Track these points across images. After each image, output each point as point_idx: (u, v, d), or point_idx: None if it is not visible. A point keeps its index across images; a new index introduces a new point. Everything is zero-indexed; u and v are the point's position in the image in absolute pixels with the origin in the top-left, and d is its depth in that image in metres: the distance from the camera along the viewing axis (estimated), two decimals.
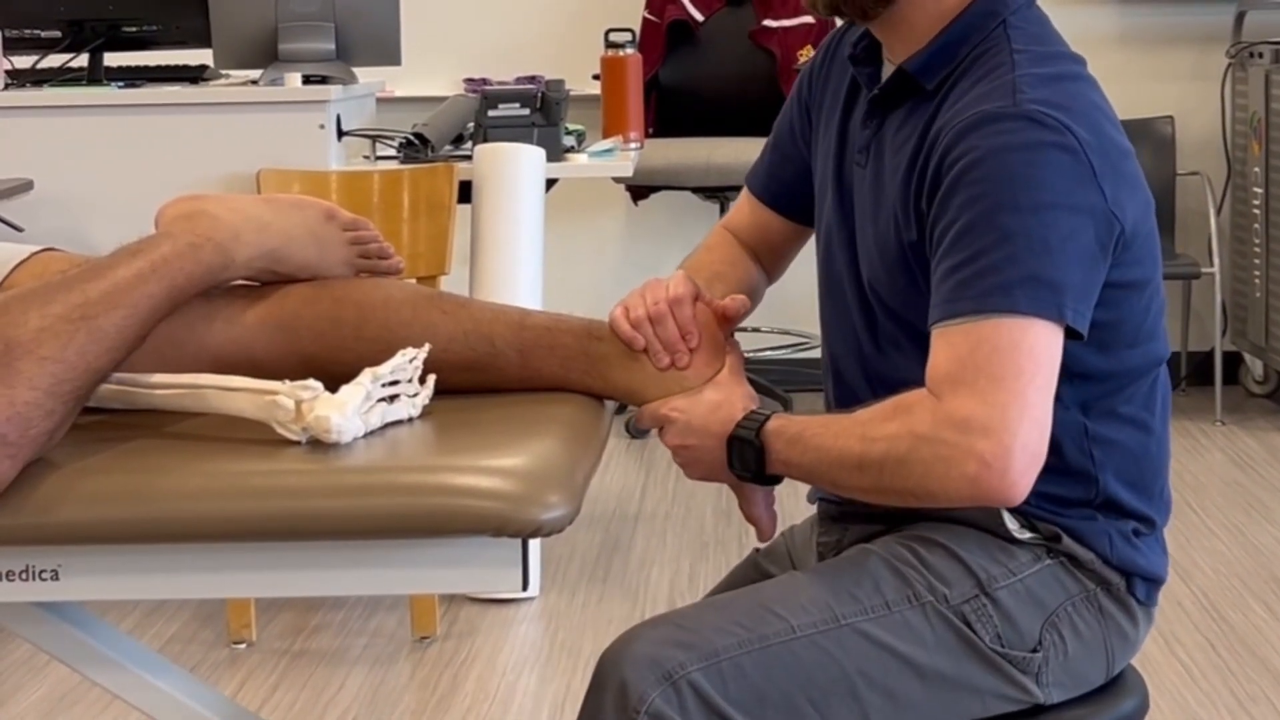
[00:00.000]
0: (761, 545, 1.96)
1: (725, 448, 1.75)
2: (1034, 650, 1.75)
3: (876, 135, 1.81)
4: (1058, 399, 1.72)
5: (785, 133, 1.99)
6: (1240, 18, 5.32)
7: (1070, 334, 1.65)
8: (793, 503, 1.99)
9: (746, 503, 1.83)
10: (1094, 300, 1.67)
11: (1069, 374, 1.71)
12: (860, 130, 1.84)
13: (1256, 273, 5.13)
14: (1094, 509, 1.78)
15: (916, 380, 1.69)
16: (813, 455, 1.70)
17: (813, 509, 1.97)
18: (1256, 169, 5.11)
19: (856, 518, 1.85)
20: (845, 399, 1.86)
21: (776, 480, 1.77)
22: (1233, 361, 5.39)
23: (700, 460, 1.78)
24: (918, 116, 1.77)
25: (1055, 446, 1.74)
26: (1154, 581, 1.83)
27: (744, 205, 2.04)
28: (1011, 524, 1.76)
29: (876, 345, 1.82)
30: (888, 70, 1.83)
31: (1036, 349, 1.62)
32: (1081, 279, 1.65)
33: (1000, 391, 1.60)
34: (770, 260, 2.03)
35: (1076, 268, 1.64)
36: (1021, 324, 1.62)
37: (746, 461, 1.74)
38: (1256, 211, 5.12)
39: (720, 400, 1.76)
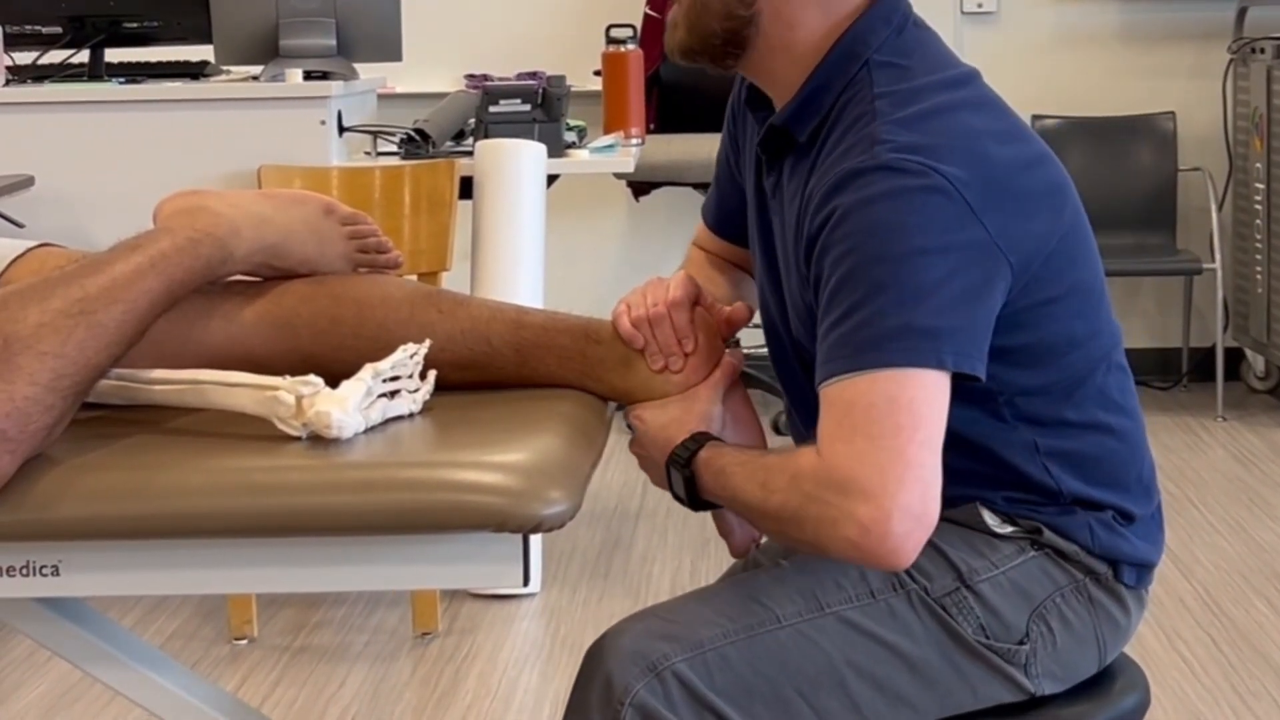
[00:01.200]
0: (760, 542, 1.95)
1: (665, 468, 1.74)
2: (1020, 642, 1.74)
3: (778, 184, 1.78)
4: (1001, 420, 1.71)
5: (723, 165, 1.97)
6: (1242, 14, 5.31)
7: (964, 378, 1.60)
8: None
9: (717, 518, 1.83)
10: (986, 338, 1.62)
11: (1007, 394, 1.70)
12: (766, 177, 1.81)
13: (1258, 269, 5.13)
14: (1069, 504, 1.77)
15: None
16: (728, 494, 1.69)
17: None
18: (1258, 165, 5.10)
19: None
20: (801, 439, 1.85)
21: (712, 506, 1.75)
22: (1234, 357, 5.39)
23: (653, 472, 1.78)
24: (801, 170, 1.73)
25: (1008, 466, 1.74)
26: (1143, 566, 1.81)
27: (703, 235, 2.03)
28: (990, 520, 1.76)
29: (816, 392, 1.79)
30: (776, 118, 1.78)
31: (915, 403, 1.56)
32: (964, 320, 1.59)
33: (878, 452, 1.54)
34: (752, 273, 2.02)
35: (956, 310, 1.59)
36: (897, 377, 1.56)
37: (679, 487, 1.73)
38: (1258, 207, 5.12)
39: (675, 417, 1.74)
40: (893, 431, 1.55)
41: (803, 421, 1.84)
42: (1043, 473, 1.75)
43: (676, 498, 1.75)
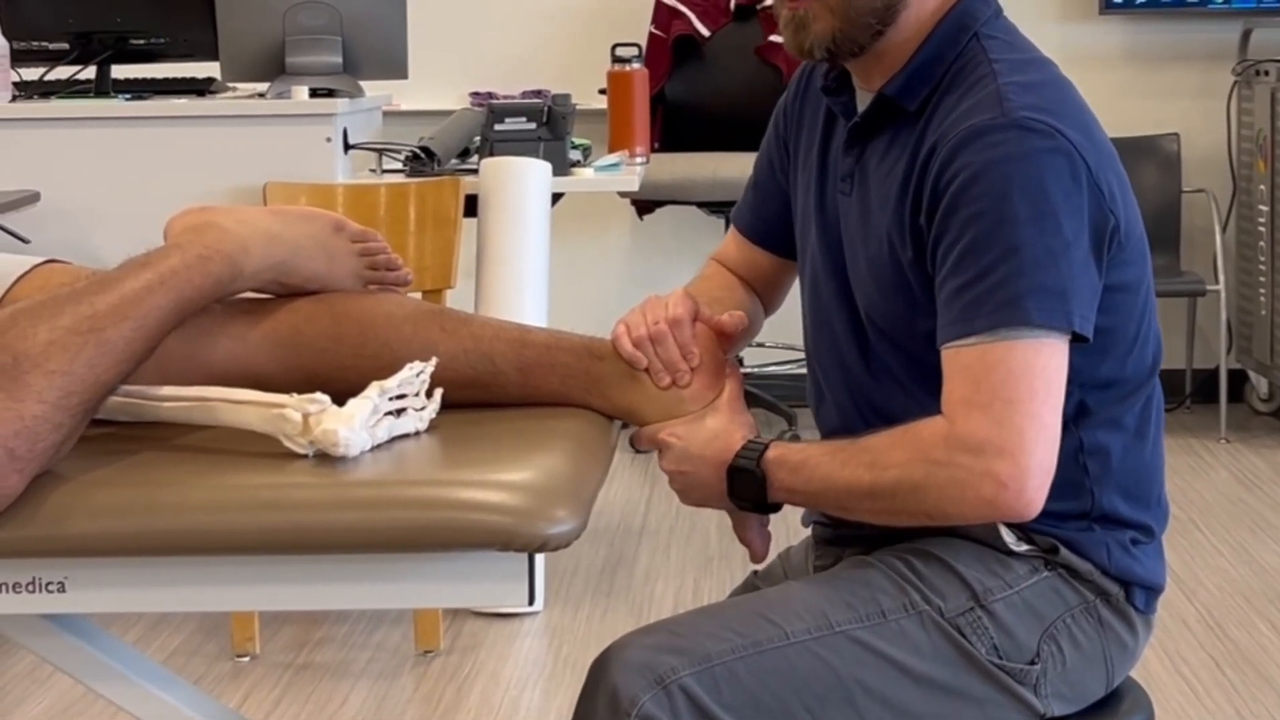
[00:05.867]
0: (758, 568, 1.95)
1: (724, 476, 1.75)
2: (1032, 662, 1.75)
3: (859, 163, 1.81)
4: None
5: (765, 169, 1.99)
6: (1246, 35, 5.32)
7: (1075, 339, 1.66)
8: (793, 519, 1.99)
9: (740, 526, 1.84)
10: (1097, 303, 1.69)
11: (1073, 385, 1.71)
12: (842, 159, 1.83)
13: (1262, 290, 5.13)
14: (1091, 521, 1.78)
15: (910, 407, 1.71)
16: (819, 484, 1.72)
17: (808, 531, 1.97)
18: (1262, 186, 5.11)
19: (851, 540, 1.85)
20: (836, 427, 1.87)
21: (776, 509, 1.77)
22: (1238, 379, 5.39)
23: (696, 487, 1.78)
24: (904, 138, 1.77)
25: None
26: (1153, 590, 1.83)
27: (732, 242, 2.04)
28: (1008, 537, 1.77)
29: (870, 373, 1.81)
30: (861, 97, 1.82)
31: (1049, 368, 1.64)
32: (1084, 284, 1.67)
33: (1015, 415, 1.62)
34: (765, 293, 2.03)
35: (1080, 273, 1.66)
36: (1034, 344, 1.63)
37: (747, 490, 1.75)
38: (1262, 229, 5.12)
39: (719, 428, 1.76)
40: (1029, 396, 1.63)
41: (845, 407, 1.85)
42: (1080, 472, 1.76)
43: (739, 503, 1.76)
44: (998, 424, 1.62)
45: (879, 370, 1.80)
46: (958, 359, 1.66)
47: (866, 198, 1.79)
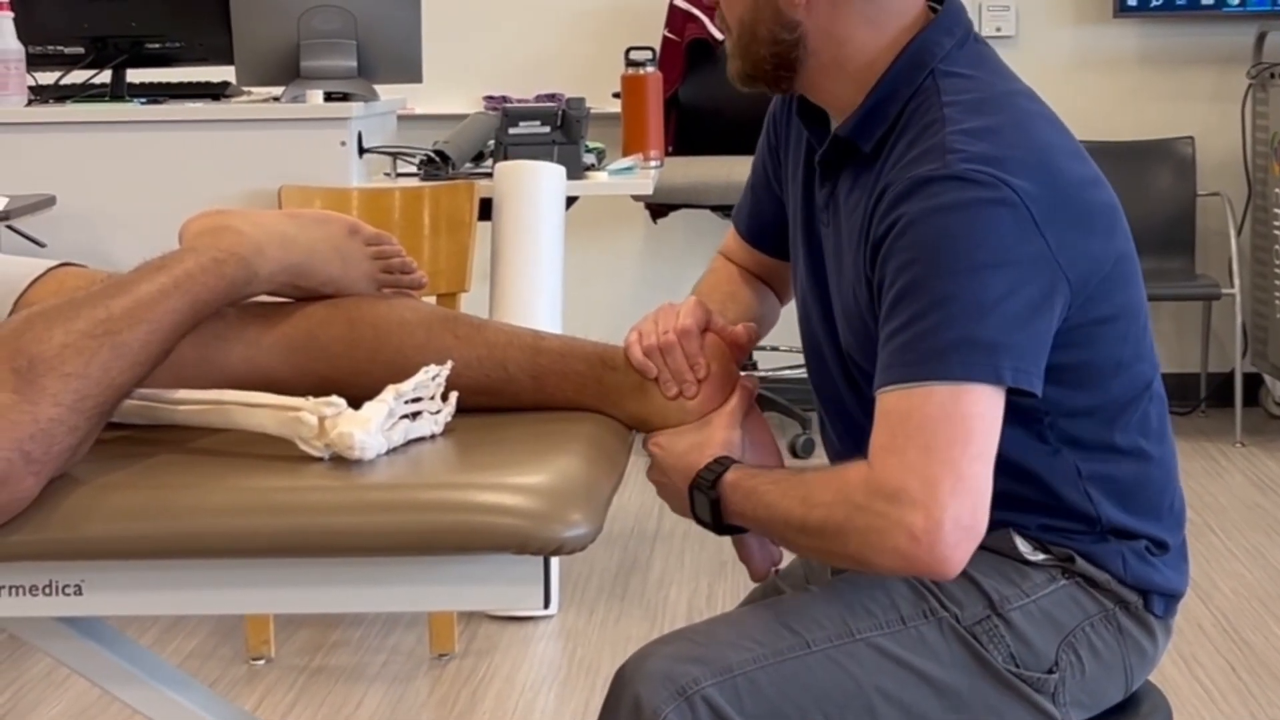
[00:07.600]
0: (778, 567, 1.95)
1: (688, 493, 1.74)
2: (1050, 671, 1.74)
3: (832, 196, 1.79)
4: (1044, 442, 1.71)
5: (759, 173, 1.97)
6: (1261, 38, 5.31)
7: (1020, 393, 1.61)
8: None
9: (737, 542, 1.83)
10: (1044, 354, 1.62)
11: (1052, 416, 1.70)
12: (819, 189, 1.81)
13: (1277, 294, 5.12)
14: (1104, 533, 1.77)
15: None
16: (763, 512, 1.68)
17: None
18: (1277, 190, 5.10)
19: None
20: (835, 450, 1.86)
21: (736, 530, 1.75)
22: (1253, 383, 5.38)
23: (672, 499, 1.78)
24: (864, 179, 1.73)
25: (1050, 491, 1.73)
26: (1172, 596, 1.81)
27: (734, 240, 2.03)
28: (1023, 547, 1.76)
29: (859, 404, 1.78)
30: (835, 127, 1.78)
31: (970, 417, 1.57)
32: (1023, 336, 1.60)
33: (932, 464, 1.55)
34: (775, 287, 2.02)
35: (1016, 326, 1.59)
36: (954, 391, 1.57)
37: (704, 510, 1.72)
38: (1277, 233, 5.11)
39: (697, 442, 1.74)
40: (946, 444, 1.56)
41: (840, 435, 1.85)
42: (1083, 499, 1.74)
43: (701, 522, 1.74)
44: (911, 472, 1.55)
45: (867, 401, 1.77)
46: (881, 405, 1.60)
47: (839, 236, 1.77)
